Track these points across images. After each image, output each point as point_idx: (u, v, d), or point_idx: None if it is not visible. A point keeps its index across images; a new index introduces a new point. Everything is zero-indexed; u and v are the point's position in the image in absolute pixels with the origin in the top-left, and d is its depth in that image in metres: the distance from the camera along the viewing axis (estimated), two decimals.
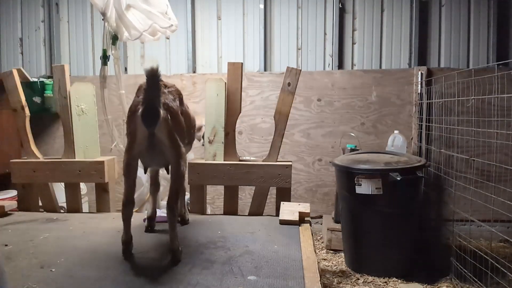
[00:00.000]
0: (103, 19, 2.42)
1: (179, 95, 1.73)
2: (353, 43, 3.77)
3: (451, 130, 2.93)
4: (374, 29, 3.72)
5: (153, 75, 1.37)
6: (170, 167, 1.65)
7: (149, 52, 3.94)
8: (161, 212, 2.16)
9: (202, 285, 1.39)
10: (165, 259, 1.63)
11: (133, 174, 1.61)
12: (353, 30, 3.76)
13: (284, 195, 2.35)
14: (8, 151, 3.28)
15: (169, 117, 1.54)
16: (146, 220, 2.18)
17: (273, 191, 2.41)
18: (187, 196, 2.55)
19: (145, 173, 1.82)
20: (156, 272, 1.50)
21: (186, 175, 2.10)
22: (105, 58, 2.54)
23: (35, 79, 3.47)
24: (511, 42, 3.62)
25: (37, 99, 3.43)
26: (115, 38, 2.49)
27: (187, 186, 2.42)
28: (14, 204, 2.47)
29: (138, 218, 2.23)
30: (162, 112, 1.47)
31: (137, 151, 1.57)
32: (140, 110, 1.45)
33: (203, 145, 2.45)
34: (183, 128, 1.67)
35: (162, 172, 1.85)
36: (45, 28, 4.04)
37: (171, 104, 1.58)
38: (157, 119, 1.43)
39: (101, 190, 2.41)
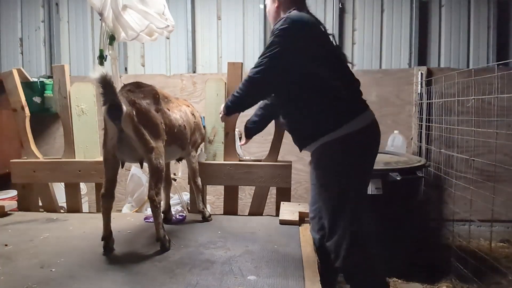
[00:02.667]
0: (100, 19, 2.42)
1: (154, 94, 1.80)
2: (353, 43, 3.76)
3: (451, 130, 2.93)
4: (374, 29, 3.71)
5: (104, 81, 1.48)
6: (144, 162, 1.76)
7: (149, 52, 3.94)
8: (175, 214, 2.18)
9: (202, 285, 1.39)
10: (165, 258, 1.64)
11: (112, 167, 1.72)
12: (353, 30, 3.76)
13: (284, 195, 2.35)
14: (8, 151, 3.28)
15: (135, 113, 1.63)
16: (145, 219, 2.19)
17: (273, 191, 2.41)
18: (187, 196, 2.55)
19: (141, 167, 1.85)
20: (156, 272, 1.50)
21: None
22: (101, 58, 2.54)
23: (35, 79, 3.46)
24: (511, 42, 3.62)
25: (37, 99, 3.43)
26: (112, 38, 2.48)
27: (187, 186, 2.43)
28: (14, 204, 2.47)
29: (139, 218, 2.23)
30: (125, 107, 1.58)
31: (110, 146, 1.68)
32: (105, 107, 1.56)
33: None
34: (155, 123, 1.74)
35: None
36: (45, 28, 4.04)
37: (139, 101, 1.68)
38: (120, 114, 1.56)
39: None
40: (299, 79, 1.68)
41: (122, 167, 1.78)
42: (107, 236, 1.71)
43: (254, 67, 1.70)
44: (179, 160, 2.28)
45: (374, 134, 1.76)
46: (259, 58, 1.70)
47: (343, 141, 1.67)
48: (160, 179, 1.74)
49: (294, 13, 1.71)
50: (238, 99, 1.80)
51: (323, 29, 1.75)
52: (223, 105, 1.94)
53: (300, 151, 1.95)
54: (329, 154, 1.73)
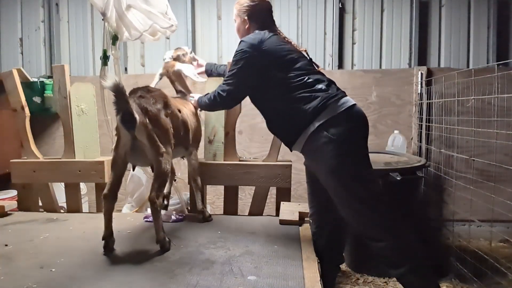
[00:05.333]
0: (103, 19, 2.41)
1: (163, 99, 1.83)
2: (353, 43, 3.76)
3: (451, 130, 2.93)
4: (374, 29, 3.71)
5: (117, 89, 1.50)
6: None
7: (149, 52, 3.94)
8: (173, 215, 2.19)
9: (202, 285, 1.39)
10: (165, 258, 1.64)
11: (119, 169, 1.73)
12: (353, 30, 3.75)
13: (284, 195, 2.35)
14: (8, 151, 3.28)
15: (148, 120, 1.66)
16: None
17: (273, 191, 2.41)
18: (187, 196, 2.55)
19: (153, 171, 1.87)
20: (156, 272, 1.50)
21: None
22: (105, 58, 2.54)
23: (35, 79, 3.46)
24: (511, 42, 3.62)
25: (37, 99, 3.43)
26: (115, 38, 2.48)
27: (187, 186, 2.43)
28: (14, 204, 2.47)
29: (139, 218, 2.23)
30: (139, 117, 1.61)
31: (122, 151, 1.70)
32: (119, 116, 1.58)
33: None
34: (166, 129, 1.77)
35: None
36: (45, 28, 4.03)
37: (150, 108, 1.71)
38: (134, 123, 1.59)
39: (101, 190, 2.39)
40: (263, 87, 1.86)
41: (133, 170, 1.81)
42: (108, 236, 1.72)
43: (222, 84, 1.94)
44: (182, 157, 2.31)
45: (359, 114, 1.83)
46: (226, 76, 1.93)
47: (328, 126, 1.73)
48: (164, 182, 1.76)
49: (248, 36, 1.89)
50: (208, 106, 2.08)
51: (281, 43, 1.88)
52: (196, 97, 2.18)
53: (291, 150, 1.99)
54: (320, 144, 1.75)
